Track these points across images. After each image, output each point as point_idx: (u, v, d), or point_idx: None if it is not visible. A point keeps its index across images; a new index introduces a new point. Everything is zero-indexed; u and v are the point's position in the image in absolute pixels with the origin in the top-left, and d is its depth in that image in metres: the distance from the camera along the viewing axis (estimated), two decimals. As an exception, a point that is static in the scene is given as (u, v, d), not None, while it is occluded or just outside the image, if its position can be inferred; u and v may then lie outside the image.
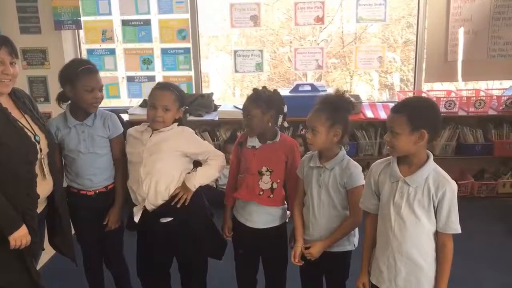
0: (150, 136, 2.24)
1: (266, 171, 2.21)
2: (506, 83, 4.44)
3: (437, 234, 1.81)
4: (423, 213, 1.78)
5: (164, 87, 2.25)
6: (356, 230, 2.18)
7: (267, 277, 2.42)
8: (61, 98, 2.37)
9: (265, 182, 2.22)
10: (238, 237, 2.38)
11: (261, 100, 2.20)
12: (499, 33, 4.13)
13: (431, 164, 1.80)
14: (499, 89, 4.40)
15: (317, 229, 2.14)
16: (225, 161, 2.32)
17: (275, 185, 2.23)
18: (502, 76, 4.45)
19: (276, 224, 2.29)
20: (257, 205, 2.25)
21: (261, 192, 2.23)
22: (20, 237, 1.95)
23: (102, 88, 2.34)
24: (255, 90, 2.28)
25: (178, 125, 2.29)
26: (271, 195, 2.24)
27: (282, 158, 2.23)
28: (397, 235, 1.82)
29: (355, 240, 2.20)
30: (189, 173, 2.26)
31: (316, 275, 2.28)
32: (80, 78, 2.25)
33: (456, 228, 1.77)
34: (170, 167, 2.23)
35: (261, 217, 2.27)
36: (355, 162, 2.12)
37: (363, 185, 2.06)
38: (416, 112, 1.76)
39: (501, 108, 4.06)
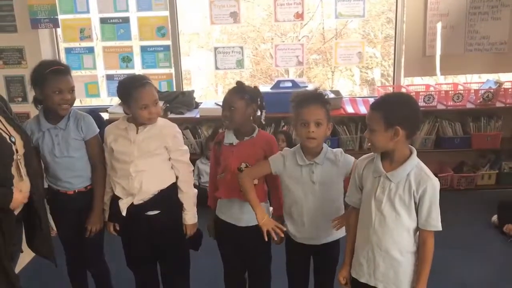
0: (137, 133, 2.23)
1: (245, 167, 2.20)
2: (484, 77, 4.50)
3: (418, 230, 1.82)
4: (404, 209, 1.79)
5: (145, 83, 2.21)
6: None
7: (251, 275, 2.40)
8: (37, 101, 2.32)
9: None
10: (222, 236, 2.37)
11: (245, 93, 2.20)
12: (475, 27, 4.19)
13: (414, 160, 1.80)
14: (477, 83, 4.46)
15: (314, 226, 2.12)
16: (191, 171, 2.36)
17: (255, 181, 2.21)
18: (480, 70, 4.53)
19: (256, 222, 2.22)
20: (239, 202, 2.24)
21: (241, 189, 2.21)
22: None
23: (73, 90, 2.28)
24: (239, 82, 2.26)
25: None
26: None
27: (260, 154, 2.22)
28: (377, 230, 1.83)
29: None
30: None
31: (306, 267, 2.27)
32: (47, 80, 2.21)
33: (437, 225, 1.78)
34: (159, 163, 2.26)
35: (244, 215, 2.25)
36: (336, 149, 2.15)
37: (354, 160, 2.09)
38: (390, 109, 1.77)
39: (478, 101, 4.12)
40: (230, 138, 2.24)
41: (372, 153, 1.91)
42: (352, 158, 2.13)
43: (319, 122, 2.02)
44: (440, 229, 1.80)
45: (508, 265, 3.11)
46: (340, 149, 2.16)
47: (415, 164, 1.80)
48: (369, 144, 1.85)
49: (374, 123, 1.78)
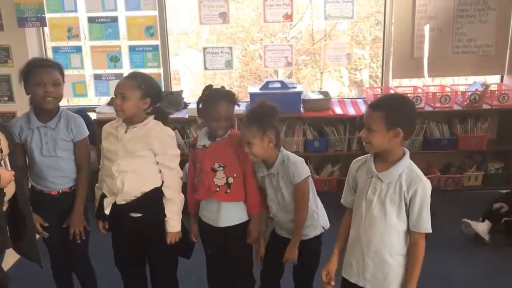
0: (125, 132, 2.21)
1: (219, 167, 2.22)
2: (471, 79, 4.55)
3: (409, 233, 1.82)
4: (394, 210, 1.79)
5: (128, 76, 2.21)
6: (324, 212, 2.28)
7: (235, 277, 2.39)
8: (27, 93, 2.31)
9: (220, 178, 2.22)
10: (205, 237, 2.38)
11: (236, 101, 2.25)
12: (462, 30, 4.23)
13: (406, 161, 1.80)
14: (464, 85, 4.50)
15: (285, 227, 2.25)
16: (178, 177, 2.30)
17: (230, 180, 2.22)
18: (466, 72, 4.56)
19: (239, 221, 2.27)
20: (218, 203, 2.25)
21: (217, 189, 2.23)
22: None
23: (57, 83, 2.27)
24: (227, 90, 2.27)
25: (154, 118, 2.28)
26: (228, 190, 2.22)
27: (232, 153, 2.22)
28: (367, 230, 1.84)
29: (322, 223, 2.26)
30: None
31: (280, 267, 2.33)
32: (31, 74, 2.22)
33: (427, 227, 1.78)
34: (143, 165, 2.22)
35: (221, 215, 2.26)
36: (295, 158, 2.19)
37: (306, 177, 2.16)
38: (393, 110, 1.77)
39: (465, 103, 4.16)
40: (202, 140, 2.26)
41: (367, 155, 1.91)
42: (303, 171, 2.16)
43: (250, 142, 2.10)
44: (430, 231, 1.79)
45: (493, 265, 3.14)
46: (298, 159, 2.19)
47: (407, 165, 1.80)
48: (365, 143, 1.83)
49: (373, 123, 1.77)
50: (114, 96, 2.20)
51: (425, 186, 1.77)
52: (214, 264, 2.41)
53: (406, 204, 1.79)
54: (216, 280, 2.44)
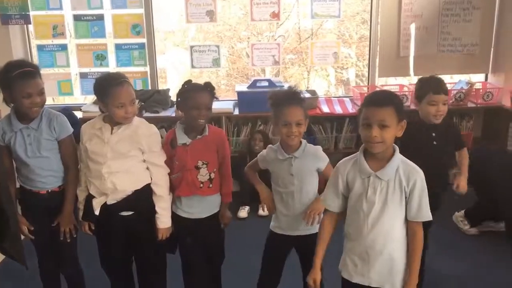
0: (111, 134, 2.19)
1: (202, 165, 2.27)
2: (456, 77, 4.60)
3: (407, 223, 1.84)
4: (396, 205, 1.81)
5: (123, 81, 2.17)
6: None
7: (212, 261, 2.46)
8: (8, 102, 2.26)
9: (203, 175, 2.28)
10: (183, 232, 2.38)
11: (214, 92, 2.30)
12: (448, 29, 4.28)
13: (399, 156, 1.82)
14: (449, 83, 4.54)
15: (294, 217, 2.22)
16: (166, 174, 2.31)
17: (212, 175, 2.30)
18: (452, 71, 4.60)
19: (215, 211, 2.38)
20: (200, 198, 2.31)
21: (201, 185, 2.28)
22: None
23: (42, 92, 2.22)
24: (209, 83, 2.31)
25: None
26: (211, 185, 2.30)
27: (214, 149, 2.30)
28: (370, 231, 1.83)
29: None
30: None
31: (281, 256, 2.33)
32: (16, 84, 2.14)
33: (428, 216, 1.81)
34: (134, 164, 2.23)
35: (203, 207, 2.33)
36: (315, 146, 2.27)
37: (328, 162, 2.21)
38: (398, 103, 1.83)
39: (450, 101, 4.20)
40: (183, 138, 2.27)
41: (353, 155, 1.90)
42: (327, 158, 2.23)
43: (300, 123, 2.12)
44: (431, 218, 1.82)
45: (481, 261, 3.20)
46: (319, 146, 2.28)
47: (400, 160, 1.82)
48: (374, 143, 1.77)
49: (387, 119, 1.75)
50: (120, 105, 2.13)
51: (422, 177, 1.80)
52: (196, 255, 2.40)
53: (406, 197, 1.81)
54: (200, 269, 2.43)
